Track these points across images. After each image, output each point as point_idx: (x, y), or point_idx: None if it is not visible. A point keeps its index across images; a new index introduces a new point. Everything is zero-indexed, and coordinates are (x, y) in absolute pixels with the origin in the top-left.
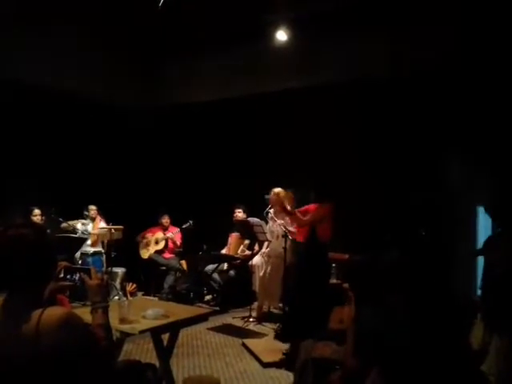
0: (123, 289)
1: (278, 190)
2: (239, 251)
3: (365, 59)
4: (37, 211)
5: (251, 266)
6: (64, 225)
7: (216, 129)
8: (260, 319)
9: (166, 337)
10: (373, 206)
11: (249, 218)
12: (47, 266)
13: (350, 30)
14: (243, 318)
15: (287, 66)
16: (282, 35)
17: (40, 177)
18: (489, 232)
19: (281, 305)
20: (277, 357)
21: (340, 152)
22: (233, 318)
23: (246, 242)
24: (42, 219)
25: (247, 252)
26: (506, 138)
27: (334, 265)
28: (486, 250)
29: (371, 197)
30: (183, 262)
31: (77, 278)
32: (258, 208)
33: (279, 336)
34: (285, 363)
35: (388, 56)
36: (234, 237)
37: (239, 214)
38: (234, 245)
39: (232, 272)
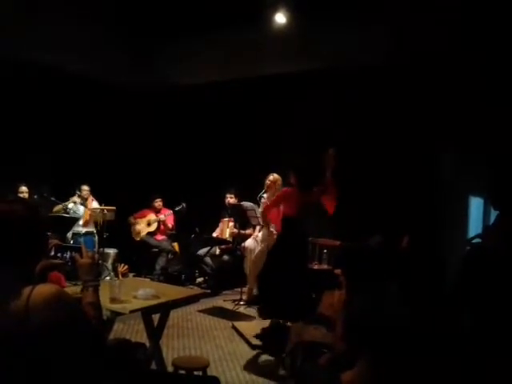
0: (115, 270)
1: (276, 176)
2: (227, 234)
3: (364, 43)
4: (23, 188)
5: (243, 248)
6: (56, 208)
7: (211, 112)
8: (250, 302)
9: (156, 318)
10: (366, 193)
11: (242, 202)
12: (38, 242)
13: (349, 14)
14: (234, 300)
15: (285, 49)
16: (280, 18)
17: (33, 156)
18: (480, 223)
19: None
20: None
21: (336, 137)
22: (223, 301)
23: (231, 223)
24: (29, 197)
25: (235, 230)
26: (502, 125)
27: (325, 250)
28: (484, 237)
29: (364, 184)
30: (175, 244)
31: (68, 256)
32: (251, 191)
33: (261, 313)
34: (262, 340)
35: (388, 41)
36: (224, 222)
37: (231, 199)
38: (225, 230)
39: (226, 256)
